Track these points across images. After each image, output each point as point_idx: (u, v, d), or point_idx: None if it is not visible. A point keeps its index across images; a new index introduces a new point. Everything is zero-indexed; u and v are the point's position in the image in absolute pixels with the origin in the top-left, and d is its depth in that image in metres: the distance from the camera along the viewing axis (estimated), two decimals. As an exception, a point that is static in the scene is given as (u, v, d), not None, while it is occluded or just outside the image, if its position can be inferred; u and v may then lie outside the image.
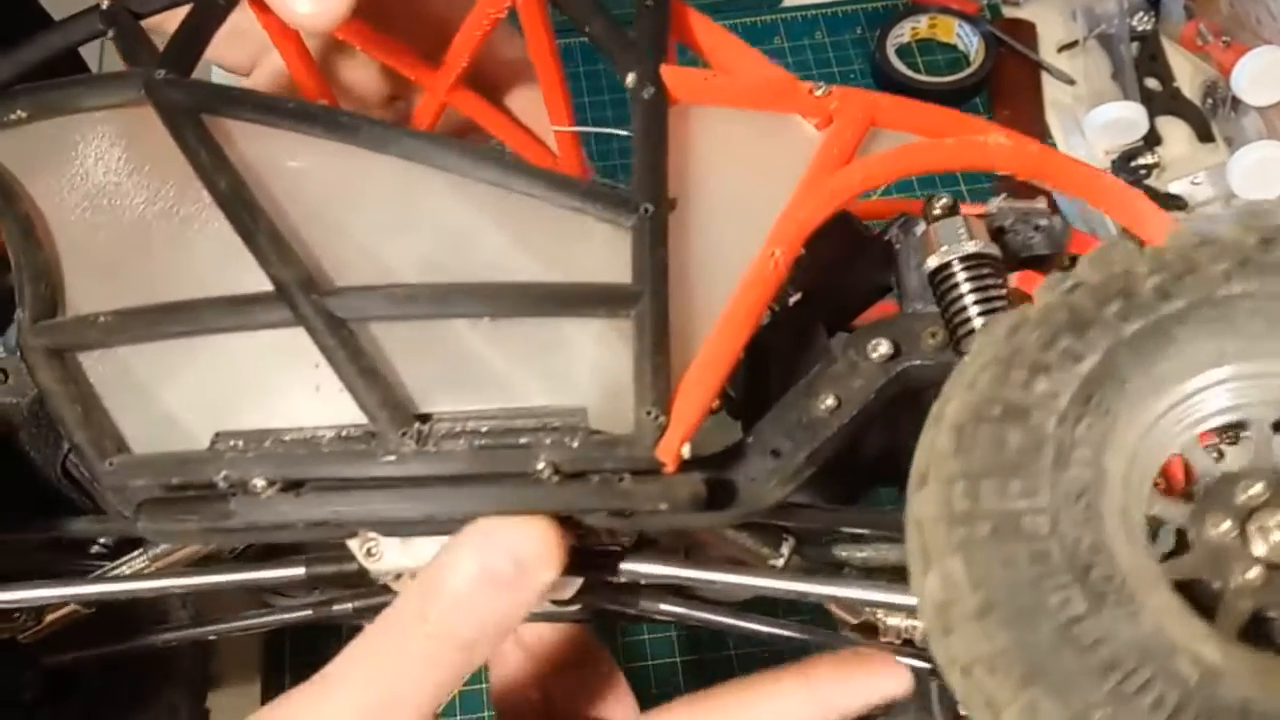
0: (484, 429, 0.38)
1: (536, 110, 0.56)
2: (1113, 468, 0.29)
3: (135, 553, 0.46)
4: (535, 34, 0.49)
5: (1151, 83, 1.02)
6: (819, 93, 0.43)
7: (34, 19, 0.67)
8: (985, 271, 0.41)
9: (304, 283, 0.39)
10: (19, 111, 0.43)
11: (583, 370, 0.39)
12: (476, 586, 0.37)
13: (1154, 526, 0.31)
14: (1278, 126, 0.97)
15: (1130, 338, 0.29)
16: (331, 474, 0.38)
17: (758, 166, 0.43)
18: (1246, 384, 0.30)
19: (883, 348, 0.41)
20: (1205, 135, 1.00)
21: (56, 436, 0.43)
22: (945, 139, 0.43)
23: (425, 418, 0.38)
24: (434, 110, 0.55)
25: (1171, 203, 0.97)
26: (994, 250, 0.41)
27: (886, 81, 1.07)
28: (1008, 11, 1.10)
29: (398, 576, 0.44)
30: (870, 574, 0.45)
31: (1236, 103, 0.99)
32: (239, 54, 0.56)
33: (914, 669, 0.47)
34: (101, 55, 0.62)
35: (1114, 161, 0.99)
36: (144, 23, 0.45)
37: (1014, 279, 0.45)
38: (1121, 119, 0.98)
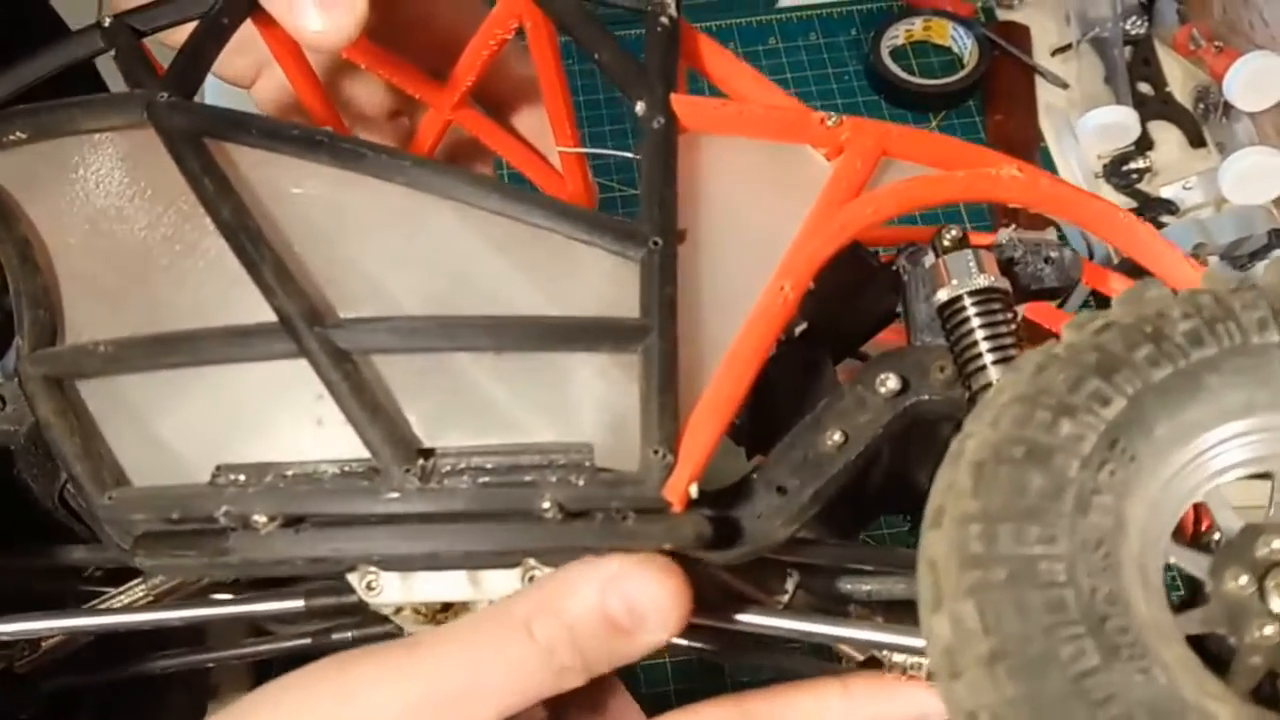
0: (488, 465, 0.38)
1: (542, 130, 0.56)
2: (1133, 515, 0.29)
3: (133, 582, 0.45)
4: (542, 55, 0.49)
5: (1144, 87, 1.03)
6: (830, 123, 0.42)
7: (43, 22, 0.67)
8: (995, 307, 0.40)
9: (308, 314, 0.38)
10: (18, 132, 0.43)
11: (588, 405, 0.38)
12: (590, 621, 0.37)
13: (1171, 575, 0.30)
14: (1269, 132, 0.97)
15: (1159, 383, 0.29)
16: (334, 510, 0.38)
17: (767, 197, 0.42)
18: (1273, 435, 0.29)
19: (891, 382, 0.41)
20: (1197, 140, 1.01)
21: (54, 465, 0.43)
22: (956, 171, 0.42)
23: (429, 453, 0.38)
24: (438, 128, 0.55)
25: (1163, 207, 0.97)
26: (1004, 284, 0.41)
27: (880, 83, 1.07)
28: (1002, 14, 1.11)
29: (398, 610, 0.43)
30: (875, 608, 0.45)
31: (1228, 108, 0.99)
32: (240, 67, 0.56)
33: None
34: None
35: (1106, 165, 0.99)
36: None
37: (1023, 310, 0.45)
38: (1114, 123, 0.98)
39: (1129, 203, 1.00)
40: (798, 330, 0.46)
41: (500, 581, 0.40)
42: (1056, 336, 0.33)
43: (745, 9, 1.11)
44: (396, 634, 0.45)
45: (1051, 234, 0.44)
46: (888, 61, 1.07)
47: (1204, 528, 0.34)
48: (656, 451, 0.37)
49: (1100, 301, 0.78)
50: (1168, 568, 0.30)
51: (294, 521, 0.38)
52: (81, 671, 0.50)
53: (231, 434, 0.39)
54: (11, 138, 0.43)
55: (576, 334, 0.38)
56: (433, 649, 0.38)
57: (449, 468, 0.37)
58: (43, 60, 0.46)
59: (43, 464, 0.43)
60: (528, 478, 0.37)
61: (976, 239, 0.42)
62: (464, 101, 0.53)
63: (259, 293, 0.39)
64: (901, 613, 0.44)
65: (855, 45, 1.10)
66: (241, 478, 0.38)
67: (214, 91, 0.56)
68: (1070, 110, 1.03)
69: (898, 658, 0.44)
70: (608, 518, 0.37)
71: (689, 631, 0.46)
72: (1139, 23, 1.03)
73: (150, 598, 0.45)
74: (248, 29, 0.46)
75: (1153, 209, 0.98)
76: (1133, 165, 0.98)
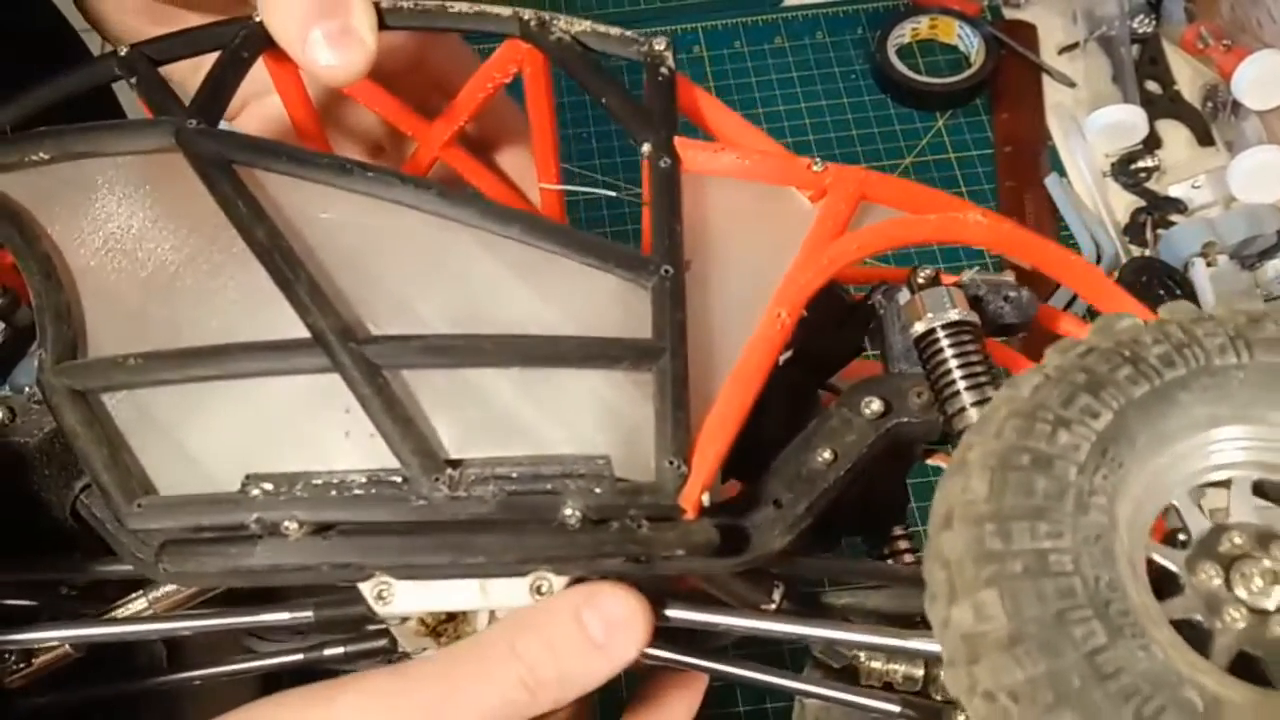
0: (513, 475, 0.40)
1: (524, 170, 0.59)
2: (1123, 515, 0.32)
3: (133, 595, 0.46)
4: (537, 99, 0.52)
5: (1152, 86, 1.02)
6: (816, 168, 0.46)
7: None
8: (967, 338, 0.44)
9: (341, 331, 0.40)
10: (41, 153, 0.44)
11: (605, 420, 0.41)
12: (569, 635, 0.40)
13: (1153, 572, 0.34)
14: (1278, 130, 0.97)
15: (1139, 399, 0.33)
16: (364, 518, 0.39)
17: (759, 234, 0.46)
18: (1233, 445, 0.34)
19: (875, 405, 0.44)
20: (1205, 139, 1.00)
21: (67, 477, 0.43)
22: (929, 215, 0.46)
23: (456, 464, 0.40)
24: (426, 164, 0.57)
25: (1171, 206, 0.96)
26: (974, 318, 0.45)
27: (887, 82, 1.06)
28: (1008, 13, 1.10)
29: (404, 620, 0.45)
30: (852, 618, 0.48)
31: (1237, 106, 0.98)
32: None
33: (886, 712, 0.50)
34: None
35: (1113, 164, 0.99)
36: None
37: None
38: (1122, 122, 0.98)
39: (1137, 201, 0.99)
40: (783, 359, 0.49)
41: (509, 591, 0.42)
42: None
43: (750, 8, 1.11)
44: (389, 649, 0.47)
45: (1011, 276, 0.49)
46: (894, 60, 1.06)
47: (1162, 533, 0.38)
48: (672, 462, 0.40)
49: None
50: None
51: (323, 529, 0.40)
52: (63, 690, 0.50)
53: (259, 446, 0.41)
54: (35, 158, 0.44)
55: (595, 353, 0.41)
56: (417, 668, 0.41)
57: (475, 477, 0.40)
58: (57, 85, 0.47)
59: (56, 476, 0.43)
60: (550, 486, 0.40)
61: (945, 279, 0.47)
62: (453, 140, 0.56)
63: (285, 312, 0.41)
64: (876, 623, 0.48)
65: (861, 44, 1.09)
66: (271, 486, 0.40)
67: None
68: (1077, 109, 1.02)
69: (874, 665, 0.48)
70: (623, 526, 0.40)
71: (667, 644, 0.49)
72: (1147, 21, 1.02)
73: (150, 610, 0.46)
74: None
75: (1161, 207, 0.97)
76: (1141, 164, 0.97)
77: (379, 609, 0.43)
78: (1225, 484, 0.35)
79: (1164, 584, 0.34)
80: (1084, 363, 0.34)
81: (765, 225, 0.46)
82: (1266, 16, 0.98)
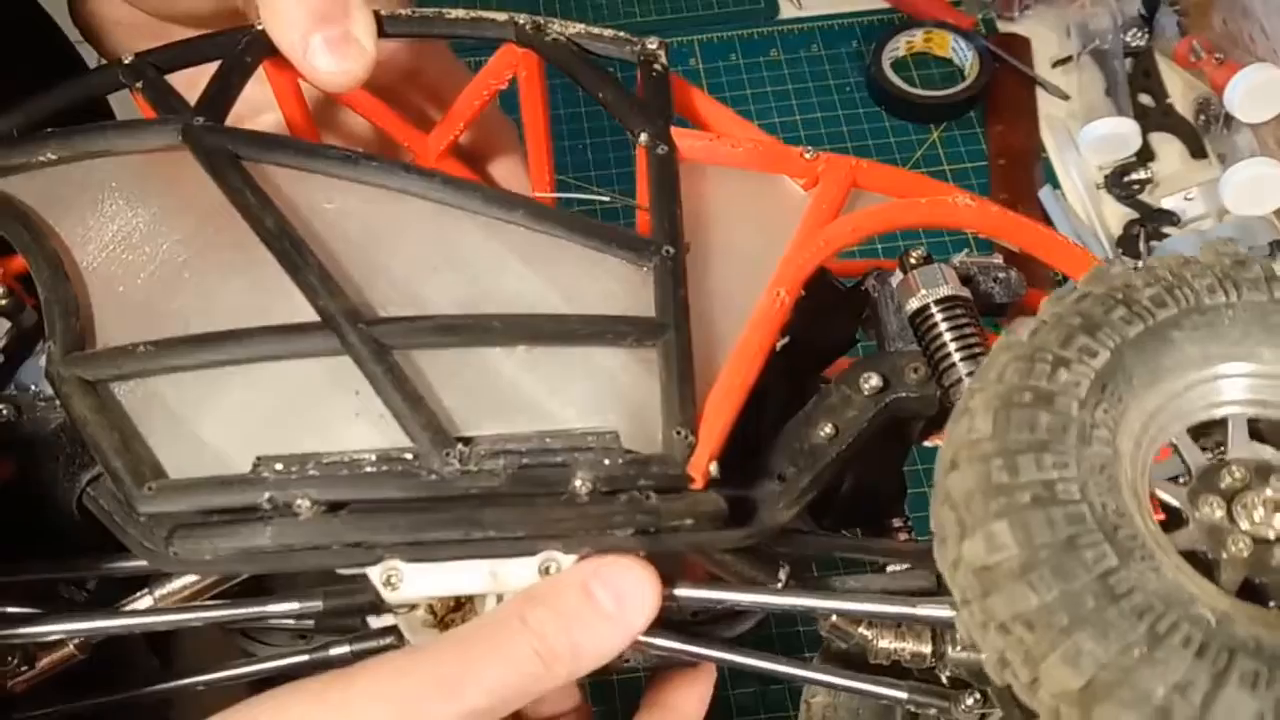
0: (523, 449, 0.40)
1: (517, 181, 0.60)
2: (1124, 448, 0.33)
3: (138, 593, 0.46)
4: (532, 104, 0.53)
5: (1145, 99, 1.03)
6: (808, 156, 0.47)
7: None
8: (960, 311, 0.45)
9: (350, 313, 0.41)
10: (48, 154, 0.45)
11: (611, 396, 0.42)
12: (579, 606, 0.40)
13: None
14: (1270, 143, 0.98)
15: (1134, 338, 0.34)
16: (376, 495, 0.40)
17: (754, 220, 0.47)
18: (1228, 384, 0.35)
19: (873, 380, 0.45)
20: (1198, 151, 1.01)
21: (74, 471, 0.43)
22: (919, 199, 0.48)
23: (467, 440, 0.40)
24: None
25: (1164, 218, 0.97)
26: (967, 293, 0.46)
27: (882, 94, 1.06)
28: (1003, 26, 1.11)
29: (412, 608, 0.45)
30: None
31: (1229, 119, 0.99)
32: None
33: (889, 698, 0.51)
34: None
35: (1107, 176, 0.99)
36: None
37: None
38: (1115, 134, 0.99)
39: (1130, 213, 0.99)
40: (779, 345, 0.50)
41: (518, 573, 0.42)
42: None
43: (747, 21, 1.12)
44: (396, 647, 0.47)
45: (999, 258, 0.50)
46: (889, 73, 1.07)
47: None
48: (679, 432, 0.40)
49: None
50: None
51: (335, 507, 0.40)
52: (64, 700, 0.49)
53: (269, 431, 0.41)
54: (41, 159, 0.45)
55: (601, 330, 0.42)
56: (430, 646, 0.41)
57: (485, 452, 0.40)
58: (62, 92, 0.48)
59: (62, 469, 0.43)
60: (560, 459, 0.40)
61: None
62: (448, 150, 0.57)
63: (293, 301, 0.42)
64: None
65: (856, 57, 1.10)
66: (282, 466, 0.40)
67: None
68: (1071, 121, 1.03)
69: (881, 644, 0.48)
70: (632, 498, 0.41)
71: (675, 635, 0.49)
72: (1140, 35, 1.04)
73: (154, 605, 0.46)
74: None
75: (1154, 220, 0.98)
76: (1134, 176, 0.98)
77: (388, 595, 0.43)
78: (1222, 423, 0.36)
79: (1167, 522, 0.35)
80: (1079, 307, 0.35)
81: (760, 212, 0.48)
82: (1258, 31, 1.00)
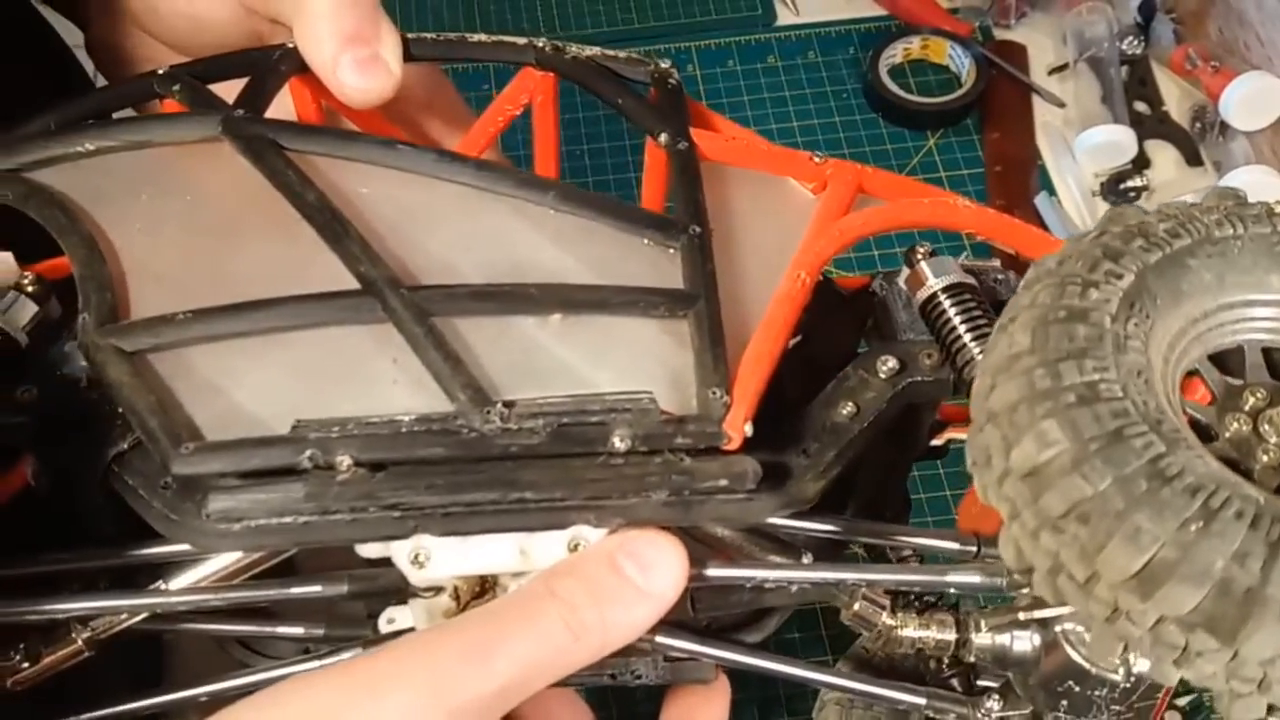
0: (561, 409, 0.41)
1: None
2: (1155, 363, 0.35)
3: (154, 584, 0.45)
4: (544, 128, 0.56)
5: (1141, 106, 1.04)
6: (817, 159, 0.50)
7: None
8: (969, 297, 0.48)
9: (390, 280, 0.42)
10: (86, 144, 0.46)
11: (645, 364, 0.43)
12: (607, 578, 0.40)
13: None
14: (1265, 151, 0.98)
15: (1154, 264, 0.36)
16: (417, 452, 0.40)
17: (766, 218, 0.49)
18: (1241, 311, 0.37)
19: (890, 363, 0.47)
20: (1193, 159, 1.01)
21: (98, 446, 0.43)
22: (922, 199, 0.50)
23: (505, 402, 0.41)
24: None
25: None
26: (974, 281, 0.48)
27: (878, 101, 1.07)
28: (999, 34, 1.12)
29: (437, 592, 0.44)
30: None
31: (1225, 127, 1.00)
32: None
33: (908, 703, 0.50)
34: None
35: (1103, 184, 0.99)
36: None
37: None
38: (1111, 142, 0.99)
39: None
40: (793, 343, 0.52)
41: (546, 549, 0.42)
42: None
43: (744, 27, 1.12)
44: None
45: (997, 263, 0.53)
46: (886, 80, 1.08)
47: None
48: (714, 392, 0.41)
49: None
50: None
51: (374, 468, 0.40)
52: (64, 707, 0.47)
53: (306, 398, 0.41)
54: (80, 149, 0.46)
55: (634, 300, 0.43)
56: (456, 619, 0.41)
57: (523, 412, 0.41)
58: (94, 100, 0.49)
59: (86, 447, 0.43)
60: (597, 419, 0.41)
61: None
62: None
63: (330, 277, 0.43)
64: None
65: (853, 64, 1.10)
66: (321, 428, 0.40)
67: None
68: (1067, 129, 1.04)
69: (905, 632, 0.48)
70: (667, 460, 0.41)
71: (684, 636, 0.49)
72: (1135, 43, 1.05)
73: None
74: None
75: None
76: (1130, 183, 0.99)
77: (415, 575, 0.42)
78: (1238, 354, 0.38)
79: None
80: (1100, 241, 0.37)
81: (771, 212, 0.50)
82: (1254, 39, 1.00)
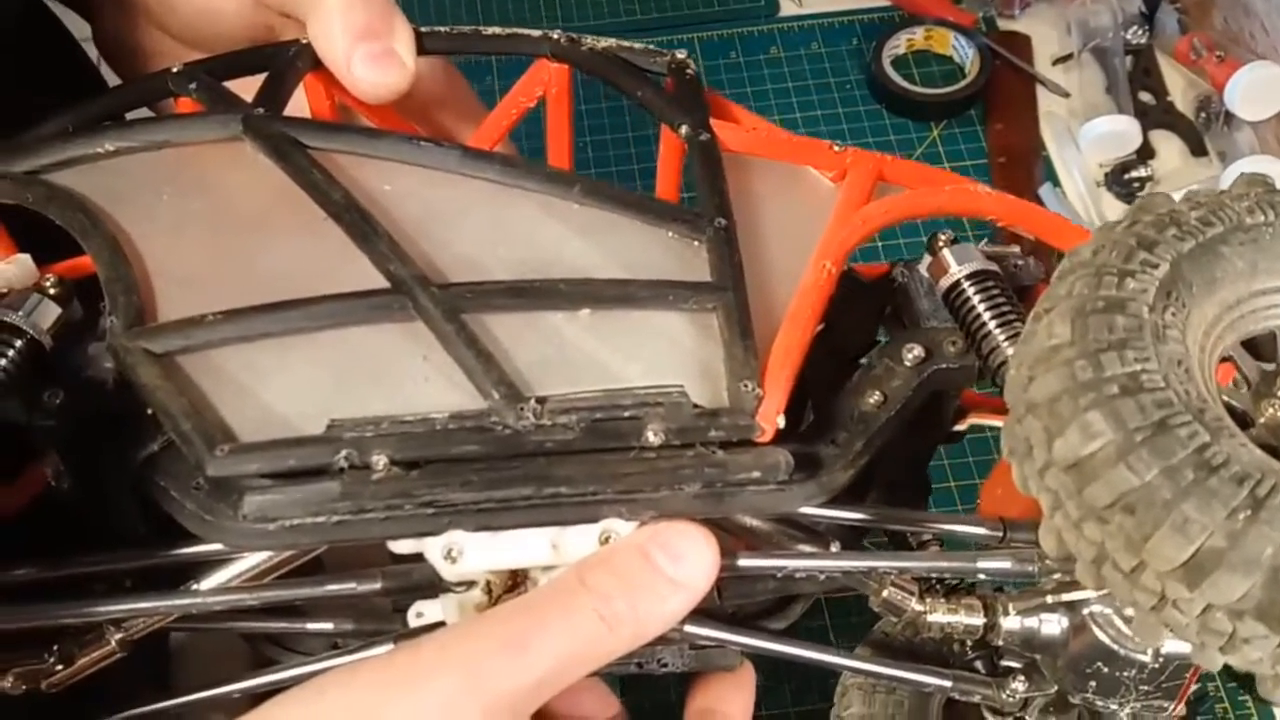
0: (594, 405, 0.41)
1: None
2: (1192, 350, 0.35)
3: (185, 585, 0.45)
4: (558, 122, 0.55)
5: (1145, 96, 1.03)
6: (837, 148, 0.50)
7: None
8: (993, 284, 0.48)
9: (420, 278, 0.41)
10: (106, 145, 0.45)
11: (675, 358, 0.43)
12: (639, 568, 0.40)
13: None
14: (1271, 141, 0.98)
15: (1188, 253, 0.36)
16: (452, 450, 0.40)
17: (785, 208, 0.49)
18: (1274, 297, 0.37)
19: (916, 351, 0.47)
20: (1198, 149, 1.01)
21: (128, 449, 0.43)
22: (944, 186, 0.50)
23: (538, 399, 0.41)
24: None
25: None
26: (997, 268, 0.48)
27: (882, 92, 1.07)
28: (1003, 24, 1.11)
29: (469, 587, 0.44)
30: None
31: (1230, 117, 0.99)
32: None
33: (933, 685, 0.51)
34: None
35: (1107, 174, 0.99)
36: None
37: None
38: (1115, 132, 0.99)
39: None
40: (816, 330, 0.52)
41: (578, 543, 0.42)
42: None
43: (746, 19, 1.12)
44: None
45: (1016, 249, 0.53)
46: (889, 70, 1.08)
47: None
48: (746, 385, 0.41)
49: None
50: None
51: (409, 466, 0.40)
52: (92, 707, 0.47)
53: (338, 397, 0.41)
54: (100, 150, 0.45)
55: (662, 293, 0.43)
56: (493, 612, 0.41)
57: (556, 408, 0.41)
58: (111, 99, 0.49)
59: (116, 450, 0.43)
60: (630, 414, 0.41)
61: (961, 247, 0.50)
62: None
63: (357, 277, 0.42)
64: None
65: (857, 54, 1.10)
66: (355, 428, 0.40)
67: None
68: (1071, 119, 1.03)
69: (934, 618, 0.49)
70: (699, 453, 0.41)
71: (710, 624, 0.49)
72: (1140, 32, 1.04)
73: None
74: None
75: None
76: (1134, 174, 0.98)
77: (447, 570, 0.42)
78: (1271, 340, 0.38)
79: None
80: (1133, 230, 0.37)
81: (791, 201, 0.50)
82: (1259, 28, 0.99)
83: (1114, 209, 1.01)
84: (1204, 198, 0.38)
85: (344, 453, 0.39)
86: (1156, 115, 1.03)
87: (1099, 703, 0.47)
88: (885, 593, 0.48)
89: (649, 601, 0.41)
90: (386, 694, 0.38)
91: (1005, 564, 0.44)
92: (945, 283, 0.48)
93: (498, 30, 0.53)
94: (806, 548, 0.47)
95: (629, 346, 0.43)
